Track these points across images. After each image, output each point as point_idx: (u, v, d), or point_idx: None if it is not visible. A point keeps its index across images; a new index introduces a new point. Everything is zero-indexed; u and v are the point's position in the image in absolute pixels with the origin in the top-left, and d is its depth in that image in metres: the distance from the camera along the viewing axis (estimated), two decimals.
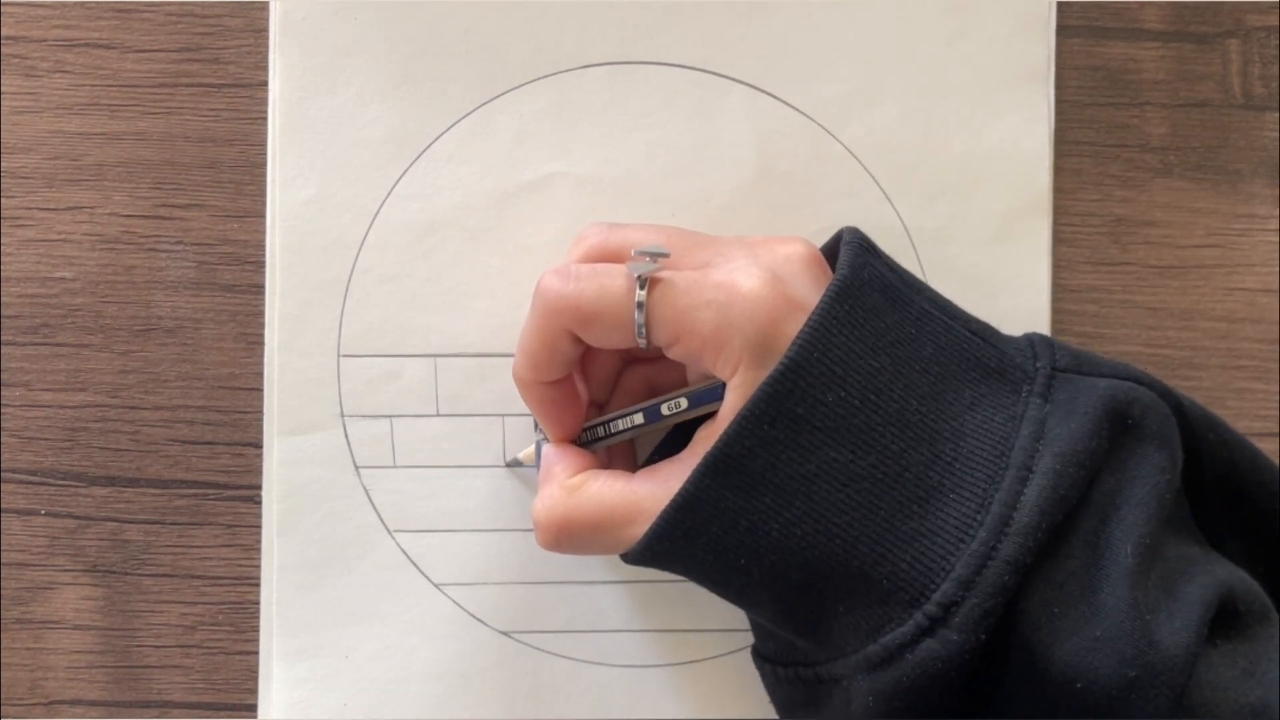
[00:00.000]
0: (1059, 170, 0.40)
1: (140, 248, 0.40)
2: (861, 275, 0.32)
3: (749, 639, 0.39)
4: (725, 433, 0.31)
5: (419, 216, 0.39)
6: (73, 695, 0.40)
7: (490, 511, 0.39)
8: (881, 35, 0.40)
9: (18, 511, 0.40)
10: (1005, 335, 0.34)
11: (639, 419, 0.35)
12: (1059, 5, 0.40)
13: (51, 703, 0.40)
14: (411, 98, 0.39)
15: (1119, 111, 0.40)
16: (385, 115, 0.39)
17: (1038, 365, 0.33)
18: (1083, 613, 0.29)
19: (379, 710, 0.39)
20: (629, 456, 0.38)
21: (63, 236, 0.40)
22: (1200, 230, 0.41)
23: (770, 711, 0.39)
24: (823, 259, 0.34)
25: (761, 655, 0.36)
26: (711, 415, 0.33)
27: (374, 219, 0.39)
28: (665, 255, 0.33)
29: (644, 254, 0.33)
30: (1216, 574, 0.31)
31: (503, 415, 0.39)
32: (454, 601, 0.39)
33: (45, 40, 0.40)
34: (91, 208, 0.40)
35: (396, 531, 0.39)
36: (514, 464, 0.39)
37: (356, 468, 0.39)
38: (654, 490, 0.32)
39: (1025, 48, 0.40)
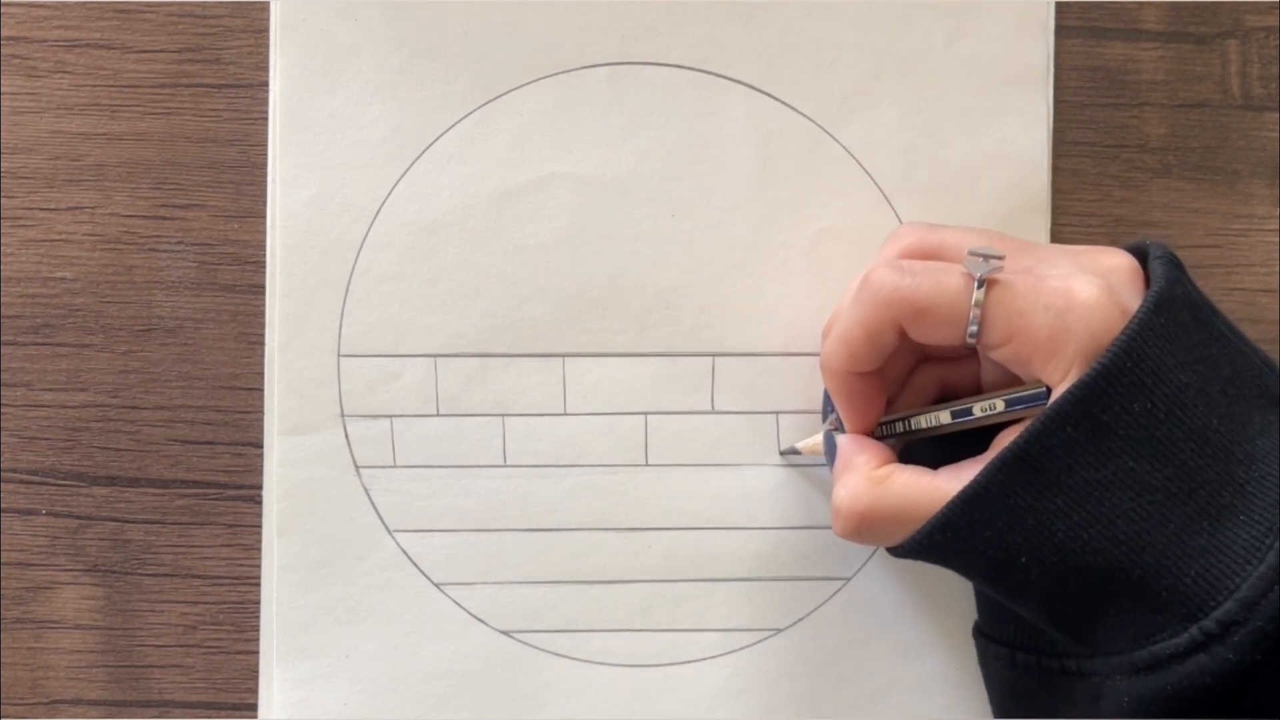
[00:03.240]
0: (1058, 171, 0.40)
1: (141, 248, 0.40)
2: (1175, 290, 0.32)
3: (749, 639, 0.39)
4: (1028, 430, 0.31)
5: (419, 216, 0.39)
6: (73, 695, 0.40)
7: (490, 511, 0.39)
8: (881, 36, 0.40)
9: (19, 511, 0.40)
10: None
11: (944, 417, 0.35)
12: (1058, 6, 0.40)
13: (52, 702, 0.40)
14: (411, 98, 0.39)
15: (1118, 112, 0.40)
16: (385, 115, 0.39)
17: None
18: None
19: (379, 710, 0.39)
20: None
21: (63, 236, 0.40)
22: (1199, 230, 0.41)
23: (766, 713, 0.39)
24: (1142, 274, 0.34)
25: (990, 636, 0.36)
26: (1017, 420, 0.33)
27: (374, 219, 0.39)
28: (1001, 258, 0.33)
29: (979, 254, 0.33)
30: None
31: (503, 415, 0.39)
32: (454, 601, 0.39)
33: (46, 40, 0.40)
34: (92, 208, 0.40)
35: (396, 531, 0.39)
36: (790, 453, 0.39)
37: (356, 468, 0.39)
38: (959, 489, 0.32)
39: (1024, 48, 0.40)
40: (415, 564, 0.39)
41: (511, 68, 0.40)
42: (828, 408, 0.37)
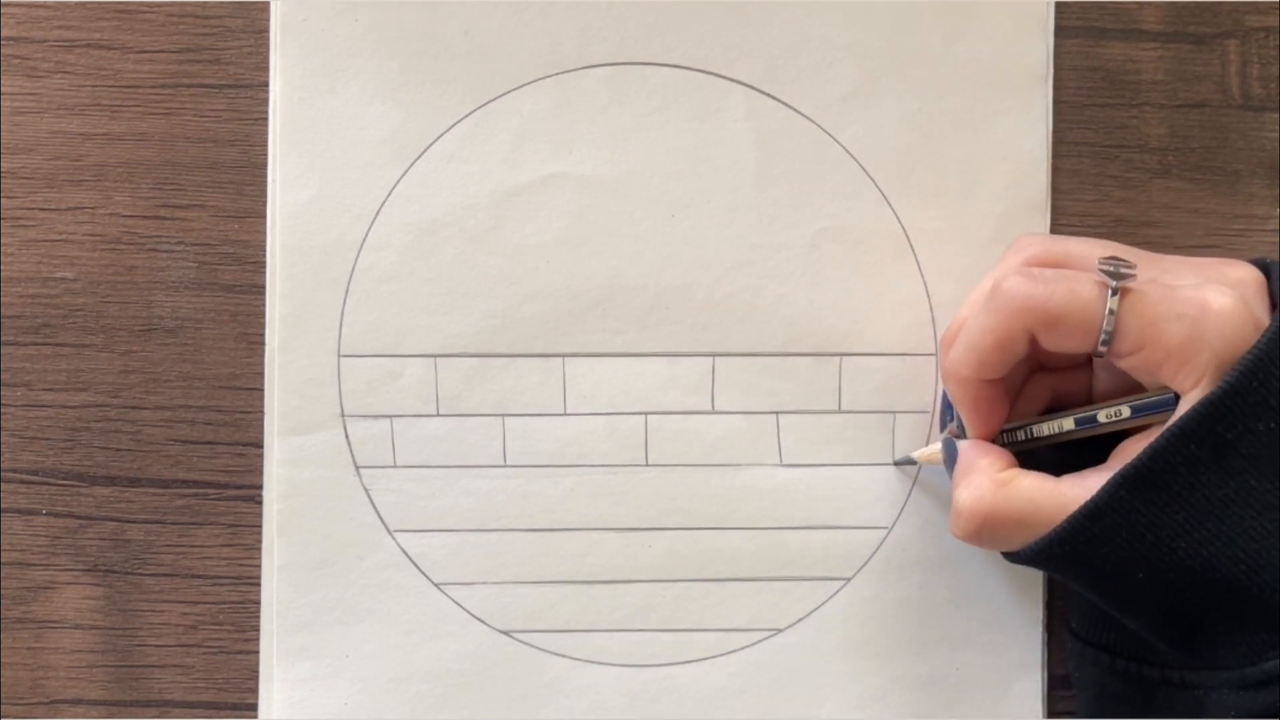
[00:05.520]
0: (1058, 171, 0.40)
1: (141, 248, 0.40)
2: None
3: (749, 639, 0.39)
4: (1152, 447, 0.32)
5: (419, 216, 0.39)
6: (73, 694, 0.40)
7: (490, 511, 0.39)
8: (881, 36, 0.40)
9: (19, 511, 0.40)
10: None
11: (1068, 424, 0.35)
12: (1057, 6, 0.40)
13: (52, 702, 0.40)
14: (411, 98, 0.39)
15: (1118, 112, 0.40)
16: (385, 115, 0.39)
17: None
18: None
19: (379, 710, 0.39)
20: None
21: (64, 237, 0.40)
22: (1199, 231, 0.41)
23: (766, 713, 0.39)
24: (1267, 287, 0.34)
25: (1087, 641, 0.37)
26: (1140, 429, 0.34)
27: (374, 219, 0.39)
28: (1134, 266, 0.33)
29: (1112, 262, 0.33)
30: None
31: (503, 415, 0.39)
32: (454, 601, 0.39)
33: (46, 41, 0.40)
34: (93, 208, 0.40)
35: (396, 531, 0.39)
36: (905, 462, 0.39)
37: (357, 468, 0.39)
38: (1083, 496, 0.33)
39: (1024, 48, 0.40)
40: (415, 564, 0.39)
41: (511, 68, 0.40)
42: (946, 416, 0.38)
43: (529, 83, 0.40)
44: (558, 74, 0.40)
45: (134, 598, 0.40)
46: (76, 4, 0.40)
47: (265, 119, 0.40)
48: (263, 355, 0.39)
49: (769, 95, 0.40)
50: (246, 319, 0.40)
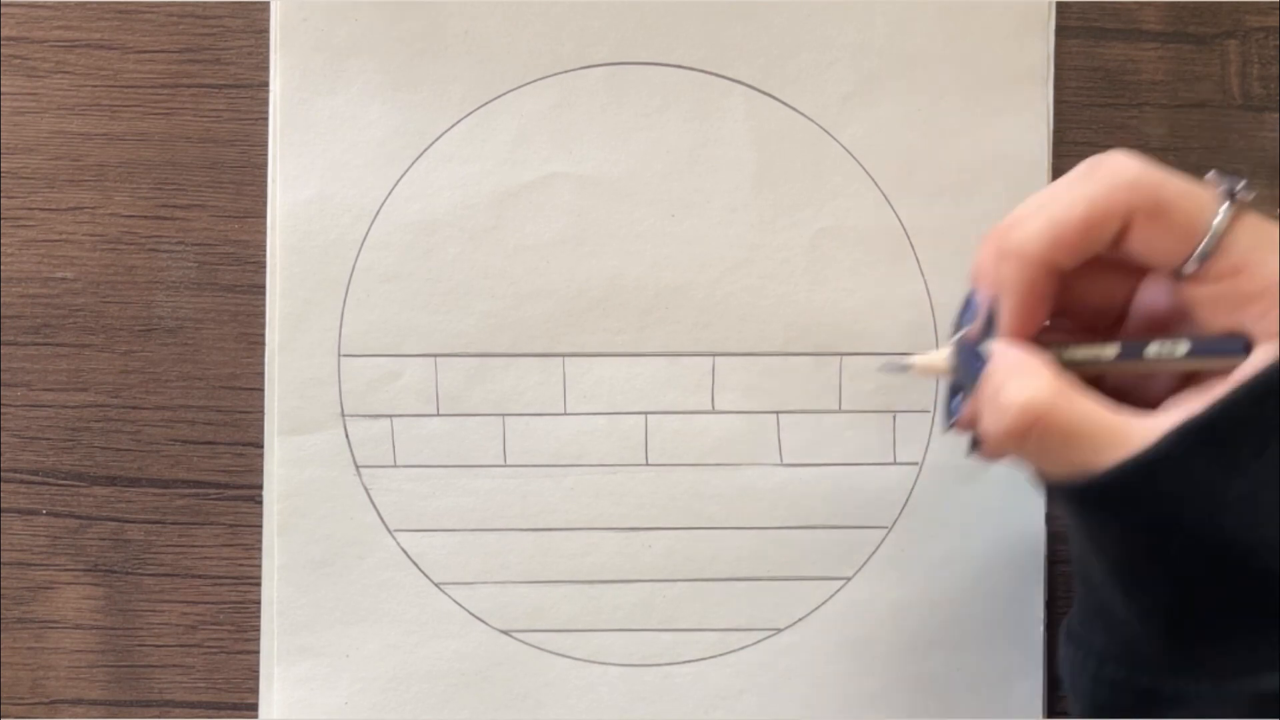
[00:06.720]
0: (1058, 171, 0.40)
1: (141, 248, 0.40)
2: None
3: (749, 639, 0.39)
4: (1225, 400, 0.28)
5: (419, 216, 0.39)
6: (74, 694, 0.40)
7: (490, 511, 0.39)
8: (881, 35, 0.40)
9: (19, 511, 0.40)
10: None
11: (1110, 352, 0.31)
12: (1058, 6, 0.40)
13: (52, 702, 0.40)
14: (411, 98, 0.39)
15: (1118, 112, 0.40)
16: (385, 115, 0.39)
17: None
18: None
19: (379, 710, 0.39)
20: None
21: (64, 237, 0.40)
22: None
23: (765, 713, 0.39)
24: None
25: (1078, 643, 0.32)
26: (1197, 375, 0.30)
27: (374, 219, 0.39)
28: (1251, 192, 0.29)
29: (1227, 177, 0.30)
30: None
31: (503, 415, 0.39)
32: (454, 601, 0.39)
33: (46, 41, 0.40)
34: (93, 208, 0.40)
35: (396, 531, 0.39)
36: (896, 369, 0.34)
37: (357, 467, 0.39)
38: (1148, 429, 0.28)
39: (1024, 48, 0.40)
40: (415, 564, 0.39)
41: (511, 68, 0.40)
42: (963, 318, 0.32)
43: (529, 83, 0.40)
44: (557, 74, 0.40)
45: (134, 598, 0.40)
46: (76, 4, 0.40)
47: (265, 119, 0.40)
48: (263, 355, 0.39)
49: (769, 95, 0.40)
50: (246, 319, 0.40)
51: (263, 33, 0.40)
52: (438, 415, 0.39)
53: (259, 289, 0.40)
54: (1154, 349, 0.30)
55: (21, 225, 0.40)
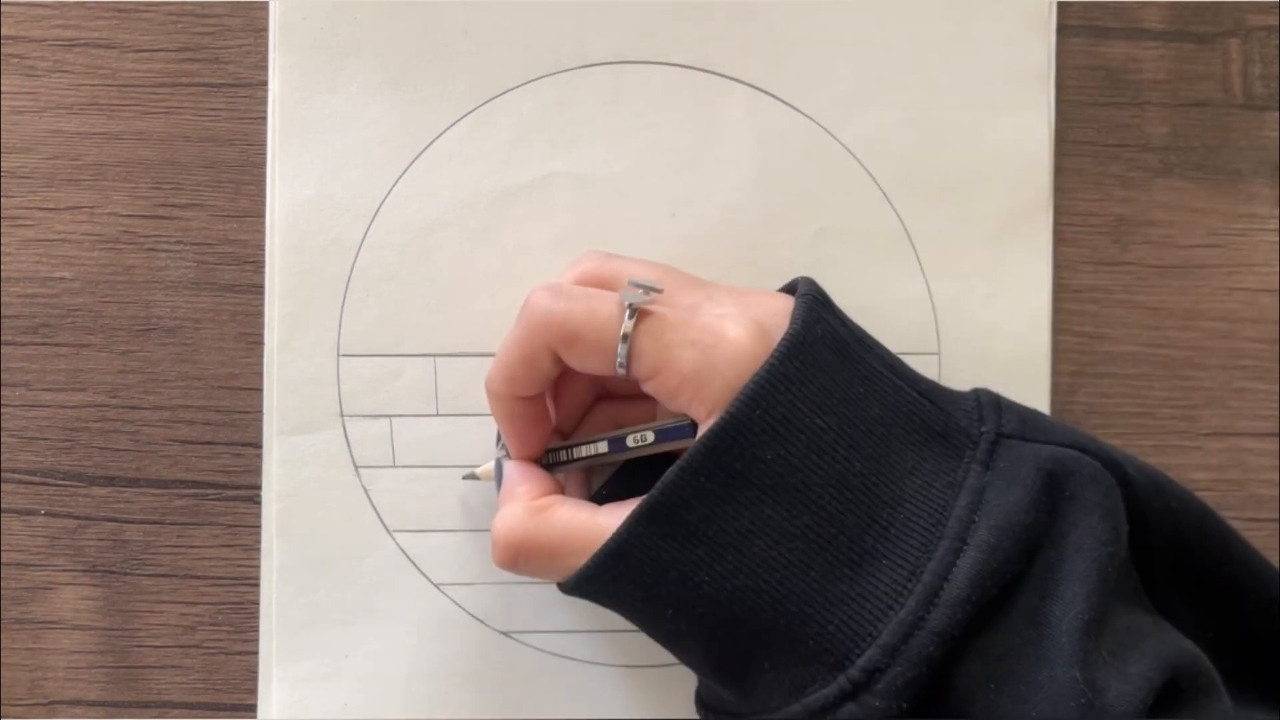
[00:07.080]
0: (1059, 170, 0.40)
1: (140, 247, 0.40)
2: (814, 331, 0.32)
3: None
4: (662, 482, 0.31)
5: (419, 216, 0.39)
6: (72, 695, 0.40)
7: (491, 511, 0.39)
8: (881, 35, 0.40)
9: (17, 511, 0.40)
10: (955, 394, 0.34)
11: (603, 447, 0.35)
12: (1059, 5, 0.40)
13: (51, 703, 0.40)
14: (411, 98, 0.39)
15: (1119, 111, 0.40)
16: (385, 115, 0.39)
17: (982, 430, 0.33)
18: (1020, 690, 0.29)
19: (379, 710, 0.39)
20: (583, 487, 0.38)
21: (62, 236, 0.40)
22: (1201, 230, 0.41)
23: None
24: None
25: (700, 700, 0.36)
26: (677, 454, 0.32)
27: (374, 219, 0.39)
28: (659, 290, 0.33)
29: (638, 285, 0.33)
30: (1165, 648, 0.31)
31: None
32: (454, 601, 0.39)
33: (45, 40, 0.40)
34: (91, 207, 0.40)
35: (396, 531, 0.39)
36: (470, 478, 0.38)
37: (356, 468, 0.39)
38: (614, 526, 0.32)
39: (1025, 47, 0.40)
40: (415, 564, 0.39)
41: (511, 67, 0.39)
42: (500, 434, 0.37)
43: (529, 82, 0.40)
44: (557, 73, 0.40)
45: (133, 598, 0.40)
46: (75, 3, 0.40)
47: (264, 118, 0.40)
48: (262, 355, 0.39)
49: (769, 94, 0.40)
50: (246, 319, 0.40)
51: (262, 32, 0.40)
52: (437, 415, 0.39)
53: (258, 289, 0.40)
54: (631, 439, 0.34)
55: (20, 225, 0.40)
